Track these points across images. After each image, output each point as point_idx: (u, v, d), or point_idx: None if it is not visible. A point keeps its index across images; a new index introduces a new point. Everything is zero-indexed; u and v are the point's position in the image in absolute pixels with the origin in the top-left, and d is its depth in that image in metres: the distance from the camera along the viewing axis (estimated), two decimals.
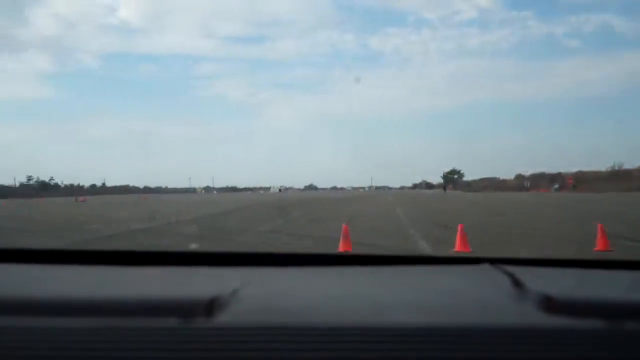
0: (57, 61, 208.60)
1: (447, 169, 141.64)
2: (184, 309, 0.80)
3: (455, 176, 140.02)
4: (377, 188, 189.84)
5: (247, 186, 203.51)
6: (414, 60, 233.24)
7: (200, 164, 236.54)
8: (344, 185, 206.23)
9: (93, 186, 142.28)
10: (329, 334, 0.75)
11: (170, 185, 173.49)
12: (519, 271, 1.10)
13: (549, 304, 0.84)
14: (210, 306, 0.81)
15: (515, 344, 0.74)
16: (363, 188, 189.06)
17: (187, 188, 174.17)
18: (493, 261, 1.26)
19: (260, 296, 0.93)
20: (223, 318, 0.79)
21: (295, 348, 0.72)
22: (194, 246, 10.05)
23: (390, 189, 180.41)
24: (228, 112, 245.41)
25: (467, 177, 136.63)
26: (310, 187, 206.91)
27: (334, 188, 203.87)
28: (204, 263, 1.28)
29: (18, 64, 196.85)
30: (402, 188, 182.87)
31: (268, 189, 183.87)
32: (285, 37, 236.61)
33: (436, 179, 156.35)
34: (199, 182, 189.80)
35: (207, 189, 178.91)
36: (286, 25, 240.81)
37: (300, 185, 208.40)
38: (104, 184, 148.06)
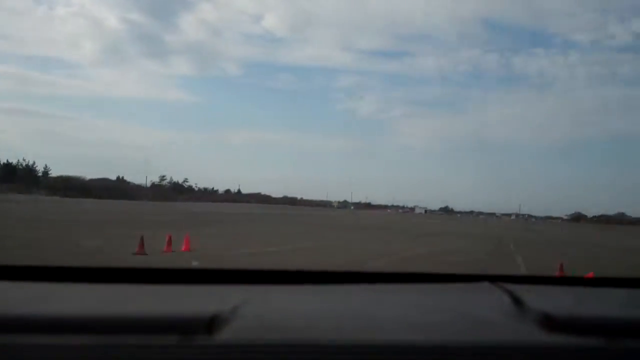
0: (200, 67, 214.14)
1: None
2: (185, 327, 0.80)
3: None
4: (529, 216, 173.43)
5: (380, 203, 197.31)
6: (557, 85, 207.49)
7: (335, 178, 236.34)
8: (492, 211, 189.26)
9: (227, 191, 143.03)
10: (328, 351, 0.76)
11: (307, 197, 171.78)
12: (518, 289, 1.10)
13: (549, 322, 0.84)
14: (211, 323, 0.81)
15: None
16: (511, 215, 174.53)
17: (323, 201, 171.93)
18: (492, 279, 1.25)
19: (261, 313, 0.93)
20: (223, 335, 0.79)
21: None
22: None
23: (534, 219, 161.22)
24: (363, 126, 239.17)
25: None
26: (446, 210, 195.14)
27: (471, 212, 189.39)
28: (204, 280, 1.27)
29: (164, 68, 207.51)
30: (546, 218, 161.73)
31: (397, 207, 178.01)
32: (425, 53, 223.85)
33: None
34: (335, 196, 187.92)
35: (344, 204, 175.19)
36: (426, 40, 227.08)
37: (435, 206, 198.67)
38: (239, 190, 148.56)
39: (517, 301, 1.00)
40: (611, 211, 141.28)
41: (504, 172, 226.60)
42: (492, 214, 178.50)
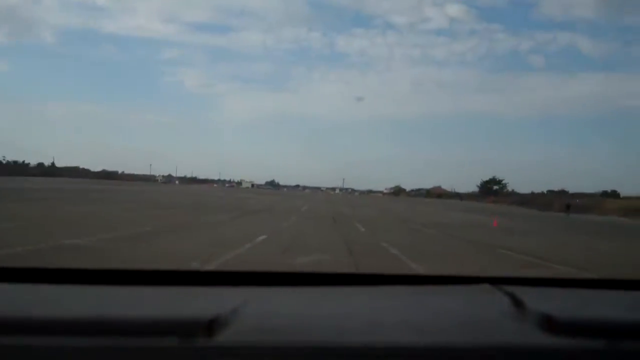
0: (13, 34, 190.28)
1: (485, 177, 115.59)
2: (185, 329, 0.81)
3: (495, 187, 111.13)
4: (351, 191, 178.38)
5: (207, 178, 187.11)
6: (377, 64, 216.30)
7: (160, 152, 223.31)
8: (312, 185, 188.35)
9: (40, 165, 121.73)
10: (328, 353, 0.77)
11: (128, 171, 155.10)
12: (519, 291, 1.10)
13: (549, 324, 0.85)
14: (211, 325, 0.81)
15: None
16: (334, 189, 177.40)
17: (146, 175, 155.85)
18: (493, 281, 1.25)
19: (260, 315, 0.93)
20: (223, 337, 0.80)
21: None
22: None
23: (358, 192, 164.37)
24: (190, 101, 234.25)
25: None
26: (272, 184, 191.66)
27: (297, 187, 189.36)
28: (204, 282, 1.27)
29: None
30: (369, 192, 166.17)
31: (224, 182, 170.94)
32: (250, 29, 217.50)
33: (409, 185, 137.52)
34: (159, 170, 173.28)
35: (168, 178, 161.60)
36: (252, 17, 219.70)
37: (262, 180, 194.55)
38: (53, 163, 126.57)
39: (517, 303, 1.00)
40: (428, 185, 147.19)
41: (328, 148, 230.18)
42: (318, 188, 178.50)
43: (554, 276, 1.62)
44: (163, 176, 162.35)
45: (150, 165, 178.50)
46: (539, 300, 1.03)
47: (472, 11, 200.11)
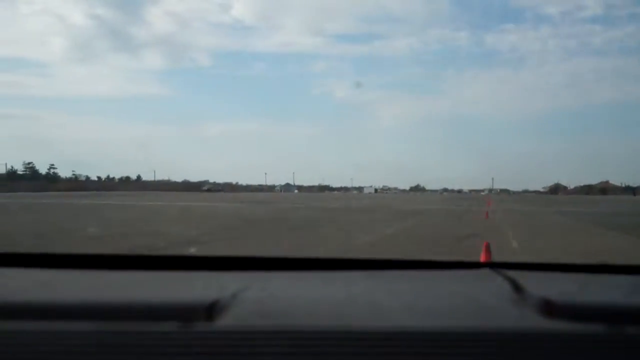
0: (171, 60, 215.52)
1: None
2: (184, 313, 0.80)
3: None
4: (501, 191, 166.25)
5: (344, 185, 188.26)
6: (530, 60, 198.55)
7: (287, 161, 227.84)
8: (460, 188, 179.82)
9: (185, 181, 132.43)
10: (328, 337, 0.76)
11: (245, 182, 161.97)
12: (519, 276, 1.10)
13: (550, 308, 0.84)
14: (211, 310, 0.81)
15: (516, 348, 0.75)
16: (482, 191, 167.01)
17: (260, 185, 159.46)
18: (493, 265, 1.26)
19: (260, 300, 0.93)
20: (223, 322, 0.80)
21: (295, 351, 0.74)
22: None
23: (512, 192, 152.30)
24: (336, 111, 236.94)
25: None
26: (417, 189, 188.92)
27: (445, 190, 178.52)
28: (203, 267, 1.27)
29: (135, 63, 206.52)
30: (525, 192, 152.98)
31: (362, 189, 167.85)
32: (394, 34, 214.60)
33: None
34: (296, 180, 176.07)
35: (287, 187, 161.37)
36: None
37: (406, 185, 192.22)
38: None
39: (517, 287, 1.00)
40: (594, 181, 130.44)
41: (478, 148, 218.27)
42: (460, 191, 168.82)
43: (554, 261, 1.53)
44: (281, 185, 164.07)
45: (265, 174, 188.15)
46: (539, 285, 1.03)
47: None
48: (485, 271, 1.23)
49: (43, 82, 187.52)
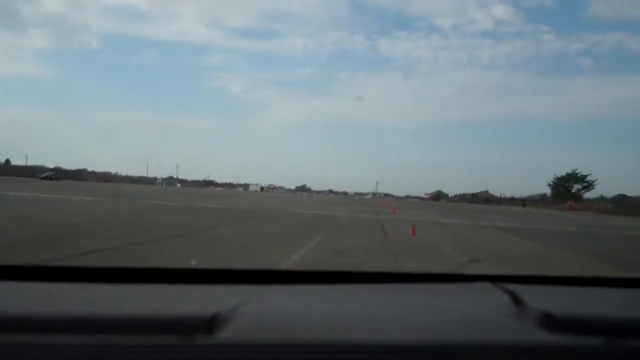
0: (58, 41, 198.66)
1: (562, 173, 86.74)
2: (184, 326, 0.81)
3: (577, 185, 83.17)
4: (385, 195, 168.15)
5: (230, 182, 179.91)
6: (421, 68, 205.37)
7: (174, 153, 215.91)
8: (345, 190, 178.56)
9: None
10: (327, 350, 0.77)
11: (129, 173, 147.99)
12: (519, 289, 1.10)
13: (549, 322, 0.85)
14: (211, 323, 0.82)
15: None
16: (367, 194, 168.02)
17: (140, 177, 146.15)
18: (493, 279, 1.25)
19: (260, 313, 0.93)
20: (223, 335, 0.80)
21: None
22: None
23: (396, 197, 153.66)
24: (230, 106, 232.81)
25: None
26: (303, 189, 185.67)
27: (331, 191, 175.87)
28: (203, 280, 1.26)
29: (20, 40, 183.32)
30: (407, 197, 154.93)
31: (248, 186, 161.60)
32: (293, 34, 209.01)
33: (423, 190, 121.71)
34: (183, 174, 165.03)
35: (169, 181, 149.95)
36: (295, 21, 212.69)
37: (292, 185, 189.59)
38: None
39: (517, 301, 1.00)
40: (474, 190, 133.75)
41: (365, 153, 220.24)
42: (345, 193, 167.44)
43: (554, 274, 1.53)
44: (163, 178, 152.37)
45: (147, 165, 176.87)
46: (538, 298, 1.03)
47: (520, 12, 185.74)
48: (485, 284, 1.22)
49: None
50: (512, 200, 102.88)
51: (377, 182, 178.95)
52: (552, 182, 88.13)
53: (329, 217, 22.27)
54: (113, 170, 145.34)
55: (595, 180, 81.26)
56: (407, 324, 0.90)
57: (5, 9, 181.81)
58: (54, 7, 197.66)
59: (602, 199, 73.03)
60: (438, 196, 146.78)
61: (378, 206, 43.66)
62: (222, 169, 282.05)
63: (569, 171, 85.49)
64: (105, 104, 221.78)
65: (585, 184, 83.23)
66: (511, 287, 1.13)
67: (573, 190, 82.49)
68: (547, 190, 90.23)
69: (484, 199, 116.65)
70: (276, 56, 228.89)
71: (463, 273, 1.38)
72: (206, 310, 0.85)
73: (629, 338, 0.79)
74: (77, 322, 0.83)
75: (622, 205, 53.54)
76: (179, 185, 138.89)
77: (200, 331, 0.79)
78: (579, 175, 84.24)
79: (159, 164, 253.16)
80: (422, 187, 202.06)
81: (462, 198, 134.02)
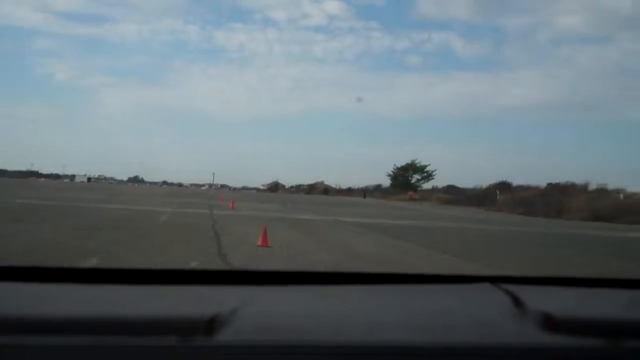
0: None
1: (402, 162, 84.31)
2: (184, 328, 0.80)
3: (416, 175, 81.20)
4: (221, 186, 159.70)
5: (57, 173, 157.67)
6: (257, 61, 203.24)
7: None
8: (181, 182, 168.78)
9: None
10: (327, 352, 0.77)
11: None
12: (519, 290, 1.11)
13: (549, 323, 0.85)
14: (210, 325, 0.81)
15: None
16: (203, 185, 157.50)
17: None
18: (493, 280, 1.25)
19: (260, 314, 0.93)
20: (223, 336, 0.80)
21: None
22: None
23: (233, 189, 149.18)
24: (55, 93, 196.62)
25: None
26: (136, 180, 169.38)
27: (165, 183, 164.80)
28: (203, 281, 1.26)
29: None
30: (244, 188, 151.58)
31: (74, 177, 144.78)
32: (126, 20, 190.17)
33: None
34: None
35: None
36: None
37: (124, 176, 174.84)
38: None
39: (517, 302, 1.01)
40: (311, 181, 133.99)
41: (203, 144, 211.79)
42: (179, 184, 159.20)
43: (554, 275, 1.51)
44: None
45: None
46: (539, 299, 1.04)
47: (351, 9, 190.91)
48: (485, 285, 1.22)
49: None
50: (349, 191, 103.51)
51: (214, 173, 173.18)
52: (392, 172, 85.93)
53: (142, 215, 16.24)
54: None
55: (435, 170, 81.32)
56: (407, 325, 0.90)
57: None
58: None
59: (435, 189, 74.57)
60: (275, 187, 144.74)
61: (213, 198, 37.88)
62: (52, 159, 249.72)
63: (408, 161, 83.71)
64: None
65: (425, 174, 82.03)
66: (511, 287, 1.12)
67: (413, 181, 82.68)
68: (386, 181, 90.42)
69: (321, 189, 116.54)
70: (108, 43, 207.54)
71: (463, 274, 1.36)
72: (205, 312, 0.84)
73: (630, 339, 0.80)
74: (75, 323, 0.82)
75: (459, 196, 54.27)
76: None
77: (200, 332, 0.78)
78: (418, 165, 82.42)
79: None
80: (259, 179, 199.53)
81: (299, 189, 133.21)
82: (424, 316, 0.98)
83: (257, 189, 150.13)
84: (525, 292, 1.06)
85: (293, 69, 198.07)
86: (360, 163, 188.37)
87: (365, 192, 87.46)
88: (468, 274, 1.35)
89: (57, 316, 0.86)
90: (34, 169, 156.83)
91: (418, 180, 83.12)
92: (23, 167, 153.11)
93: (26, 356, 0.74)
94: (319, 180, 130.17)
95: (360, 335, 0.83)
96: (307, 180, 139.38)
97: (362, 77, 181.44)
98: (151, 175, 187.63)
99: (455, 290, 1.25)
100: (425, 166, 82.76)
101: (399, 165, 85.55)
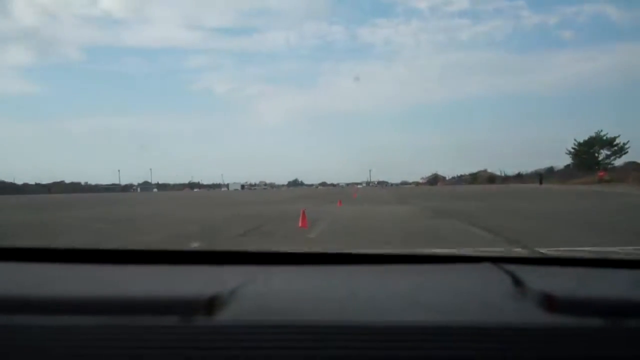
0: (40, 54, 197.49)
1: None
2: (184, 307, 0.81)
3: (605, 151, 66.47)
4: (379, 183, 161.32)
5: (216, 182, 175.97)
6: (404, 53, 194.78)
7: (157, 158, 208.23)
8: (338, 182, 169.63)
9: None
10: (328, 332, 0.76)
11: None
12: (519, 270, 1.10)
13: (550, 303, 0.85)
14: (211, 304, 0.82)
15: (516, 342, 0.75)
16: (360, 184, 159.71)
17: (113, 185, 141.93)
18: (494, 260, 1.25)
19: (260, 294, 0.93)
20: (223, 316, 0.80)
21: (295, 346, 0.73)
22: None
23: (391, 184, 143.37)
24: (212, 106, 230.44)
25: None
26: (295, 184, 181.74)
27: (324, 184, 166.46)
28: (204, 261, 1.27)
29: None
30: (404, 184, 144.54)
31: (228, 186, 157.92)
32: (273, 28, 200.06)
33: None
34: (167, 178, 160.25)
35: (145, 186, 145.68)
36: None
37: (284, 181, 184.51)
38: None
39: (518, 282, 1.00)
40: (473, 170, 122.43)
41: (356, 143, 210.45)
42: (335, 185, 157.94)
43: (555, 255, 1.56)
44: (139, 183, 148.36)
45: (119, 171, 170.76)
46: (539, 279, 1.04)
47: None
48: (486, 265, 1.21)
49: None
50: (519, 177, 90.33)
51: (370, 170, 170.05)
52: (573, 148, 72.01)
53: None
54: (83, 180, 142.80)
55: (627, 142, 66.49)
56: (410, 305, 0.89)
57: None
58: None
59: (629, 165, 59.12)
60: (434, 179, 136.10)
61: (341, 195, 32.25)
62: (207, 170, 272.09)
63: (592, 134, 69.92)
64: (87, 113, 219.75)
65: (615, 147, 67.36)
66: (512, 268, 1.11)
67: (600, 158, 68.12)
68: (557, 162, 76.47)
69: (485, 178, 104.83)
70: (259, 52, 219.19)
71: (465, 254, 1.33)
72: (206, 292, 0.84)
73: (629, 319, 0.79)
74: (76, 303, 0.83)
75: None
76: (155, 190, 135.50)
77: (200, 312, 0.78)
78: (605, 138, 68.05)
79: (139, 169, 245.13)
80: (418, 172, 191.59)
81: (461, 179, 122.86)
82: (425, 296, 0.97)
83: (416, 183, 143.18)
84: (525, 272, 1.05)
85: (441, 57, 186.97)
86: (524, 146, 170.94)
87: (541, 176, 72.25)
88: (469, 254, 1.04)
89: (58, 296, 0.86)
90: (195, 180, 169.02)
91: (607, 156, 68.04)
92: (185, 180, 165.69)
93: (28, 336, 0.75)
94: (481, 168, 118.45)
95: (362, 315, 0.83)
96: (469, 169, 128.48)
97: (513, 59, 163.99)
98: (310, 177, 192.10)
99: (456, 270, 1.24)
100: (614, 138, 67.69)
101: (580, 141, 70.88)
